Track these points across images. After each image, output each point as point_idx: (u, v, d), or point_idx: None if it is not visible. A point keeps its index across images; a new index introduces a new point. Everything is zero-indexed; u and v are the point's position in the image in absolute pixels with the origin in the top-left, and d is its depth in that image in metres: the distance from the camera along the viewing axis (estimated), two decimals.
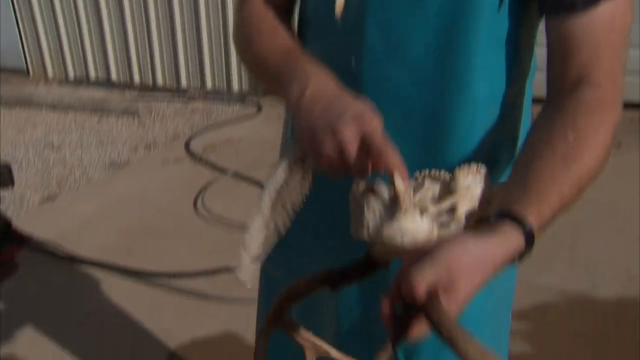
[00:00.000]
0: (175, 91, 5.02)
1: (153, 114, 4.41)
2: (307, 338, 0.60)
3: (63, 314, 2.02)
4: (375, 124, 0.59)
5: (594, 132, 0.60)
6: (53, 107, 4.58)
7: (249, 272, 0.62)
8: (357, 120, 0.58)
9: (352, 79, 0.69)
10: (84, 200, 2.94)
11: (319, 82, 0.63)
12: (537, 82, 0.81)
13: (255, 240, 0.62)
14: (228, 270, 2.22)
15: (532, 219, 0.53)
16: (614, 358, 1.73)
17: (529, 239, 0.53)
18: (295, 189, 0.64)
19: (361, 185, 0.61)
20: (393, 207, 0.57)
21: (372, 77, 0.69)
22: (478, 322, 0.81)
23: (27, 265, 2.30)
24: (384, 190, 0.59)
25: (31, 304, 2.08)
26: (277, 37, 0.70)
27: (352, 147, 0.58)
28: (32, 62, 5.35)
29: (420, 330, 0.50)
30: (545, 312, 1.95)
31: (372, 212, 0.58)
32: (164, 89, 5.10)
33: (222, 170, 3.21)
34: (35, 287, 2.17)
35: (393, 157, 0.58)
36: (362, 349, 0.85)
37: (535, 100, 0.81)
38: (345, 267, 0.61)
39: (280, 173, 0.64)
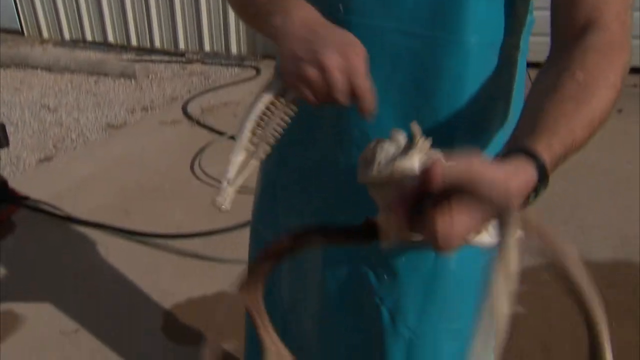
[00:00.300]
0: (173, 53, 4.96)
1: (150, 76, 4.36)
2: (275, 340, 0.57)
3: (60, 274, 2.04)
4: (358, 60, 0.59)
5: (603, 75, 0.58)
6: (49, 68, 4.52)
7: (225, 196, 0.63)
8: (342, 50, 0.59)
9: (340, 26, 0.67)
10: (81, 161, 2.93)
11: (303, 12, 0.62)
12: (533, 45, 0.79)
13: (234, 164, 0.63)
14: (224, 231, 2.23)
15: (545, 154, 0.50)
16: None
17: (542, 174, 0.50)
18: (276, 121, 0.64)
19: (375, 141, 0.60)
20: (407, 149, 0.55)
21: (360, 26, 0.67)
22: (475, 282, 0.81)
23: (24, 225, 2.32)
24: (400, 136, 0.57)
25: (28, 263, 2.09)
26: None
27: (335, 75, 0.58)
28: (26, 23, 5.27)
29: (438, 220, 0.44)
30: (540, 274, 1.96)
31: (385, 152, 0.56)
32: (161, 51, 5.03)
33: (219, 133, 3.19)
34: (32, 246, 2.19)
35: (370, 100, 0.60)
36: (349, 313, 0.85)
37: (532, 64, 0.80)
38: (344, 226, 0.58)
39: (260, 105, 0.64)
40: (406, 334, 0.79)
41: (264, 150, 0.65)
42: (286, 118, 0.65)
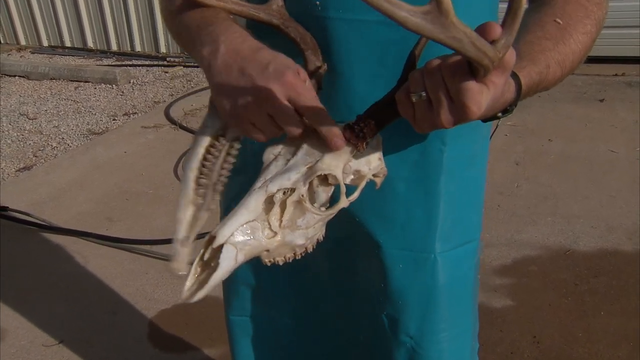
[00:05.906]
0: (154, 57, 4.90)
1: (132, 81, 4.31)
2: None
3: (42, 284, 2.00)
4: (299, 85, 0.53)
5: (582, 22, 0.63)
6: (27, 75, 4.45)
7: (180, 260, 0.56)
8: (280, 80, 0.52)
9: (318, 22, 0.64)
10: (62, 169, 2.88)
11: (231, 41, 0.56)
12: None
13: (183, 222, 0.58)
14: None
15: (522, 75, 0.57)
16: (593, 307, 1.74)
17: (518, 92, 0.56)
18: (220, 164, 0.58)
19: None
20: None
21: (340, 21, 0.64)
22: (473, 287, 0.82)
23: (4, 234, 2.27)
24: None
25: (9, 274, 2.05)
26: None
27: (279, 112, 0.53)
28: (2, 29, 5.19)
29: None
30: (527, 266, 1.96)
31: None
32: (142, 55, 4.98)
33: None
34: (13, 257, 2.14)
35: (326, 123, 0.55)
36: (345, 314, 0.84)
37: None
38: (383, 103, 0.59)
39: (200, 150, 0.58)
40: (408, 342, 0.78)
41: (212, 199, 0.58)
42: (230, 159, 0.59)
